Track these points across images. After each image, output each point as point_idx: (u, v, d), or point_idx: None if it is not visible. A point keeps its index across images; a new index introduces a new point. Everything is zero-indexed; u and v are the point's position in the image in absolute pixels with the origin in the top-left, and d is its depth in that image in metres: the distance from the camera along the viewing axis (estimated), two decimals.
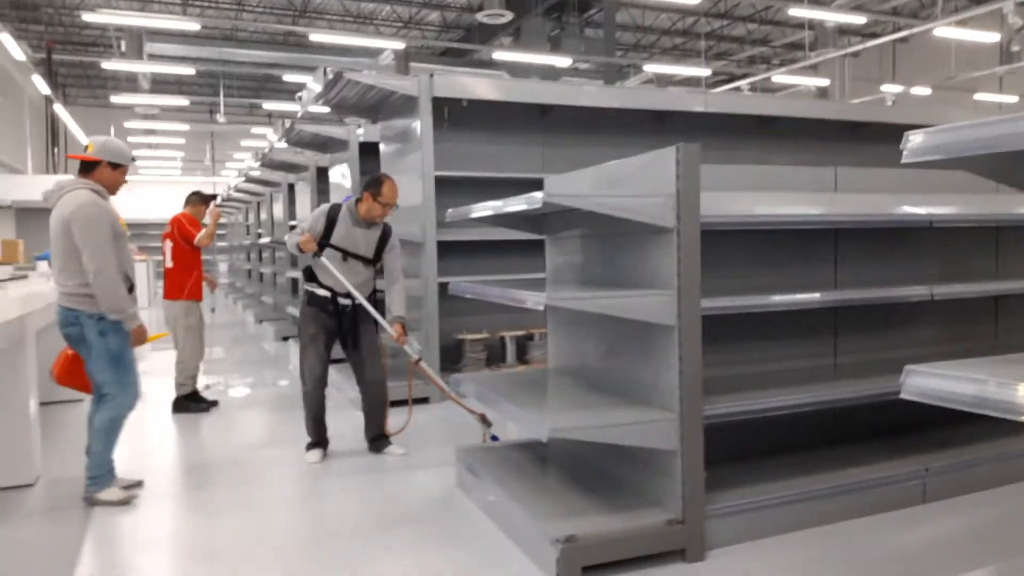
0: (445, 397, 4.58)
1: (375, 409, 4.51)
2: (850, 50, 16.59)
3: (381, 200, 4.28)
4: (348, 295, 4.33)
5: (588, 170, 3.54)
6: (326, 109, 6.99)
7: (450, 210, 3.72)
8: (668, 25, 22.11)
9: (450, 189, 6.09)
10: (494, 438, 4.21)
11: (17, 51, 13.52)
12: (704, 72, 18.68)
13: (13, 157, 23.97)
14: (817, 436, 3.79)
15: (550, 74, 18.29)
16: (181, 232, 5.75)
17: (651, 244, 2.99)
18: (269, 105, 24.94)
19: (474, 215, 3.39)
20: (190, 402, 5.79)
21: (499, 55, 16.79)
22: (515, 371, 6.05)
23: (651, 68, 18.16)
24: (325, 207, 4.46)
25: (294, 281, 10.02)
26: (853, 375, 3.54)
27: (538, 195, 2.75)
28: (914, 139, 1.25)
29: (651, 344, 3.02)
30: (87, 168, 3.70)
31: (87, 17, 11.71)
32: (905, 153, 1.28)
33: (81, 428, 3.87)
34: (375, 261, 4.46)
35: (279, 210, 11.71)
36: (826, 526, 3.12)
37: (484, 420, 4.23)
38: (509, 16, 13.64)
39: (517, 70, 18.29)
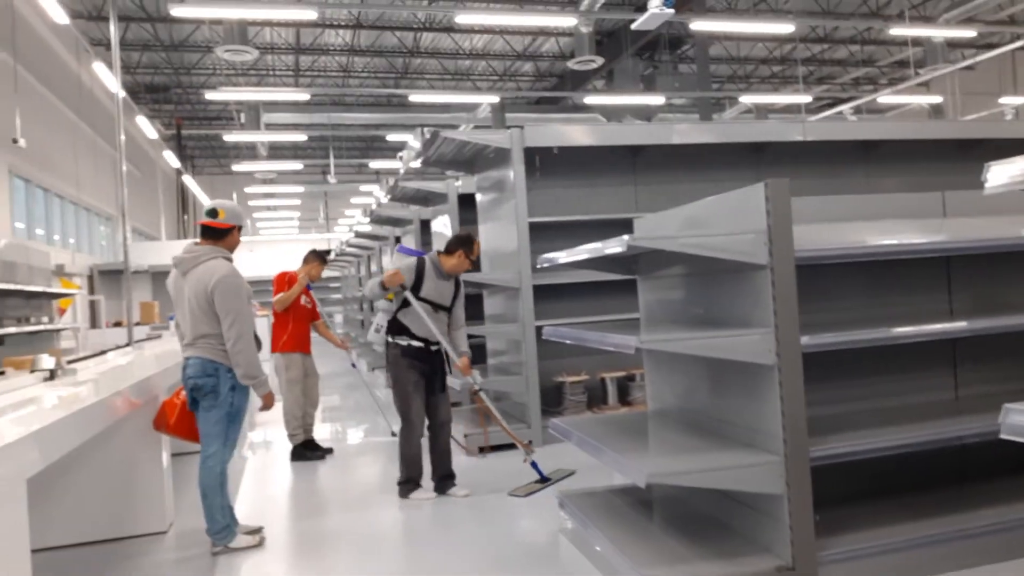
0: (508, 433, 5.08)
1: (444, 449, 4.79)
2: (962, 64, 15.71)
3: (472, 257, 4.71)
4: (437, 343, 4.67)
5: (677, 210, 3.53)
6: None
7: (543, 256, 3.79)
8: (765, 54, 21.73)
9: (545, 234, 6.19)
10: (534, 465, 4.65)
11: (151, 131, 14.91)
12: (804, 99, 18.16)
13: (149, 225, 26.23)
14: (942, 474, 3.54)
15: (644, 112, 18.33)
16: (274, 291, 6.14)
17: (745, 282, 2.94)
18: (375, 164, 26.19)
19: (562, 261, 3.44)
20: (306, 450, 6.06)
21: (592, 99, 16.96)
22: (614, 414, 6.00)
23: (748, 99, 17.84)
24: (412, 262, 4.74)
25: None
26: (977, 409, 3.30)
27: (623, 239, 2.77)
28: (994, 170, 1.21)
29: (751, 384, 2.94)
30: (217, 234, 3.90)
31: (210, 95, 12.79)
32: (986, 185, 1.23)
33: None
34: (451, 309, 4.82)
35: (387, 262, 12.21)
36: (954, 573, 2.90)
37: (528, 448, 4.77)
38: (600, 61, 13.81)
39: (611, 112, 18.44)
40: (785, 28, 12.19)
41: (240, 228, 4.00)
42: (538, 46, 20.19)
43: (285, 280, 6.13)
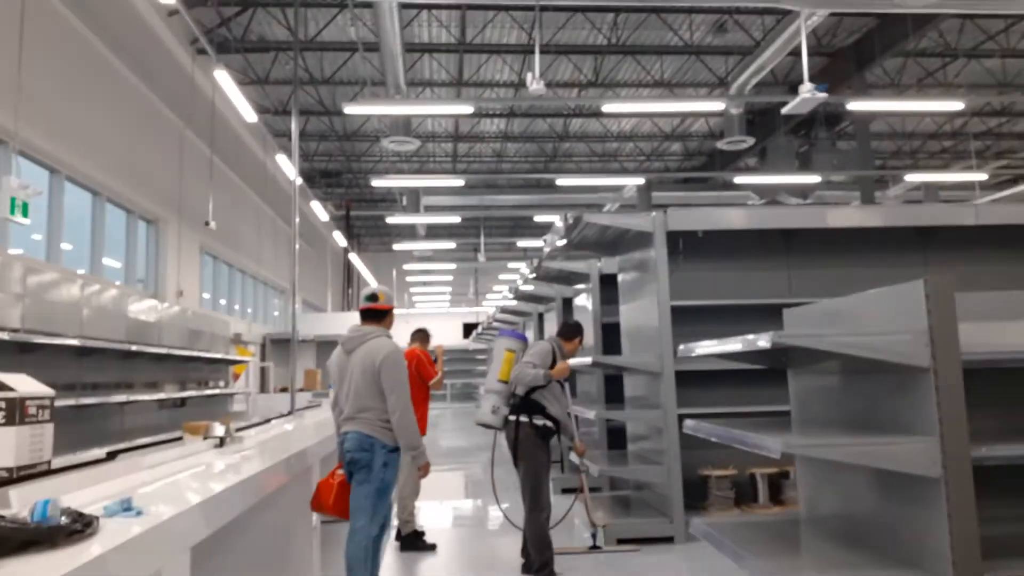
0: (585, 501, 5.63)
1: None
2: None
3: (583, 343, 5.17)
4: (559, 425, 4.94)
5: (831, 302, 3.36)
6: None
7: (682, 347, 3.71)
8: (933, 129, 20.49)
9: (689, 317, 6.08)
10: (594, 535, 5.46)
11: (323, 214, 16.29)
12: (979, 177, 16.82)
13: (317, 297, 28.31)
14: None
15: (800, 190, 17.72)
16: (420, 370, 5.92)
17: (906, 384, 2.73)
18: (523, 242, 26.99)
19: (700, 353, 3.36)
20: (416, 540, 5.85)
21: (742, 179, 16.63)
22: (764, 516, 5.64)
23: (914, 177, 16.79)
24: (547, 345, 5.04)
25: None
26: None
27: (769, 335, 2.68)
28: None
29: (915, 496, 2.69)
30: (378, 315, 4.19)
31: (376, 183, 13.81)
32: None
33: None
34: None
35: (531, 337, 12.46)
36: None
37: (595, 526, 5.49)
38: (751, 142, 13.61)
39: (764, 190, 17.99)
40: (953, 106, 11.43)
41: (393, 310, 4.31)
42: (687, 126, 20.24)
43: (415, 358, 5.96)
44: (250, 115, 9.80)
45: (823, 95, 7.62)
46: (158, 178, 13.76)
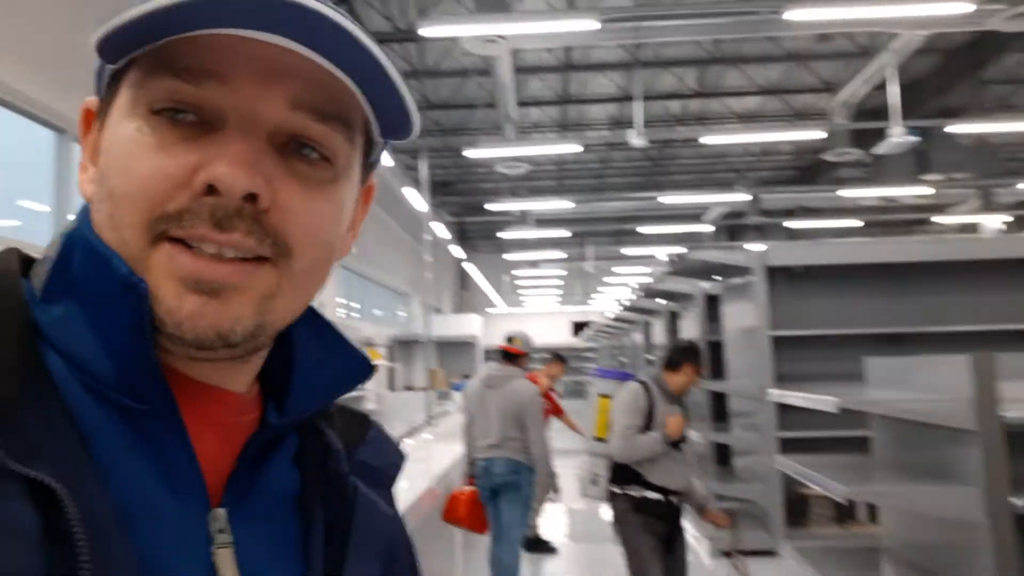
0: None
1: None
2: None
3: (703, 373, 3.90)
4: (677, 492, 3.84)
5: (906, 360, 3.79)
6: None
7: (769, 390, 4.25)
8: None
9: (791, 345, 6.40)
10: None
11: (444, 232, 17.46)
12: None
13: (437, 301, 29.84)
14: None
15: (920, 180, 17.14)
16: (548, 410, 6.33)
17: (957, 440, 3.20)
18: (626, 250, 27.65)
19: (779, 399, 3.89)
20: (541, 543, 6.59)
21: (848, 193, 16.35)
22: (855, 539, 5.96)
23: None
24: (634, 388, 3.87)
25: None
26: None
27: (834, 401, 3.23)
28: None
29: (963, 538, 3.16)
30: (513, 356, 4.99)
31: (488, 206, 14.64)
32: None
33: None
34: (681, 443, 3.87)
35: (638, 340, 13.20)
36: None
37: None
38: (858, 154, 13.52)
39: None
40: None
41: (528, 354, 5.05)
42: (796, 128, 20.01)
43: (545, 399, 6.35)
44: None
45: (915, 138, 7.67)
46: None
